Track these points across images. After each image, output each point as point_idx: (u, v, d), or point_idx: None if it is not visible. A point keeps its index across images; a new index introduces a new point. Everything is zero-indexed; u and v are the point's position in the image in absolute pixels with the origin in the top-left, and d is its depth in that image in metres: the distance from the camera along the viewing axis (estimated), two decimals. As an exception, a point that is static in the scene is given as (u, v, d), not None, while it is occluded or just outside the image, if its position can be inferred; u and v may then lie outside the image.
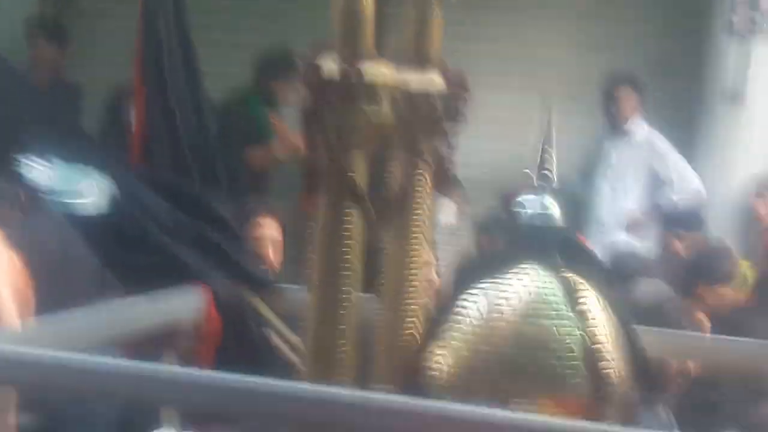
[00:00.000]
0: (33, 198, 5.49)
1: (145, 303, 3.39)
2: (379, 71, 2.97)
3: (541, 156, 3.24)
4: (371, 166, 3.06)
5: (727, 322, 5.45)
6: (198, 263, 3.56)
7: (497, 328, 3.05)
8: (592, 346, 3.03)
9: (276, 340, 3.45)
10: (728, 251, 7.09)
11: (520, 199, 3.29)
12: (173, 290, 3.46)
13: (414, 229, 3.35)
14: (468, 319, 3.09)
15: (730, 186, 8.85)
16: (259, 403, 2.74)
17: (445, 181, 3.43)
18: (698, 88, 9.33)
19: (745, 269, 6.90)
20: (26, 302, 5.91)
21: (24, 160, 3.34)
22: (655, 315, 5.01)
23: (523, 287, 3.08)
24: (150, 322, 3.49)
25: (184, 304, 3.50)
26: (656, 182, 8.56)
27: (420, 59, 3.32)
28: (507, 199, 6.43)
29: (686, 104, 9.30)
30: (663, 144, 8.67)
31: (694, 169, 8.71)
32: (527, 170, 3.24)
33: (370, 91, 2.93)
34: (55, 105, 6.23)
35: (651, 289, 6.05)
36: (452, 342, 3.09)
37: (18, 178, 3.51)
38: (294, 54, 7.46)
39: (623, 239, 8.14)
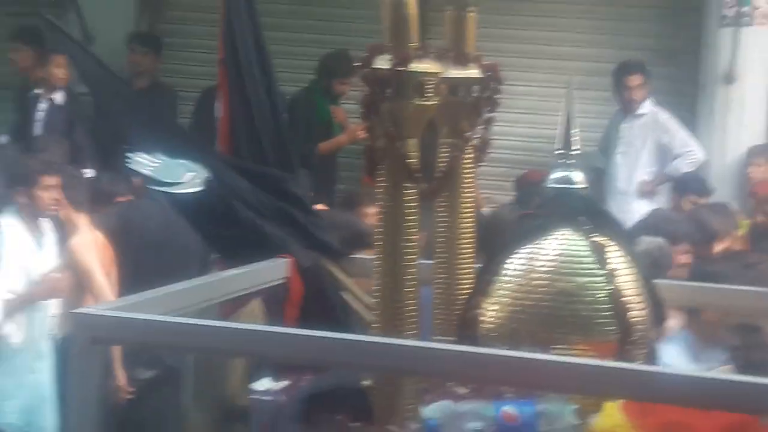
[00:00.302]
0: (142, 186, 5.58)
1: (241, 273, 3.41)
2: (425, 68, 3.01)
3: (565, 137, 3.23)
4: (422, 148, 3.08)
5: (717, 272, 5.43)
6: (281, 236, 3.56)
7: (537, 285, 3.05)
8: (621, 299, 3.02)
9: (351, 301, 3.46)
10: (728, 210, 7.08)
11: (552, 174, 3.25)
12: (264, 261, 3.48)
13: (461, 200, 3.37)
14: (512, 278, 3.08)
15: (727, 155, 8.83)
16: (340, 355, 2.76)
17: (482, 158, 3.45)
18: (696, 71, 9.33)
19: (744, 226, 6.91)
20: (112, 277, 5.99)
21: (132, 155, 3.36)
22: (647, 261, 5.04)
23: (558, 249, 3.07)
24: (245, 289, 3.52)
25: (273, 273, 3.51)
26: (664, 154, 8.56)
27: (459, 55, 3.31)
28: (535, 176, 6.42)
29: (687, 86, 9.31)
30: (668, 121, 8.66)
31: (696, 140, 8.68)
32: (558, 151, 3.22)
33: (418, 85, 2.98)
34: (154, 106, 6.27)
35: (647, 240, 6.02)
36: (499, 298, 3.09)
37: (128, 170, 3.56)
38: (352, 56, 7.45)
39: (639, 205, 8.08)
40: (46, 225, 5.95)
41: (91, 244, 5.97)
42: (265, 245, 3.53)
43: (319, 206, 6.42)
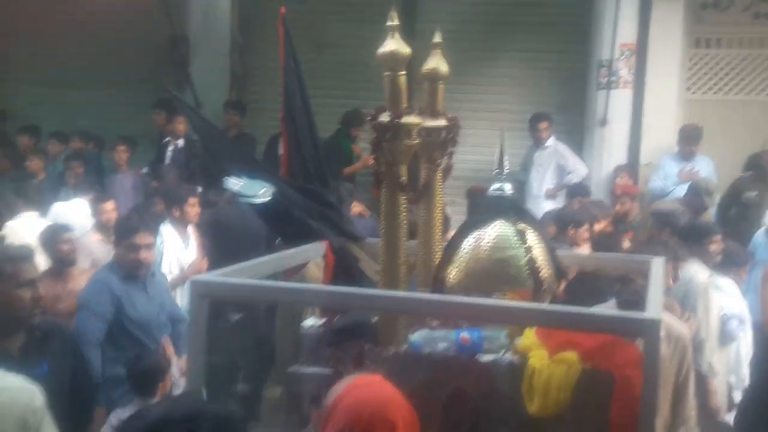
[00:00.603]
0: (232, 198, 5.67)
1: (296, 252, 3.40)
2: (411, 120, 3.01)
3: (500, 162, 3.23)
4: (409, 171, 3.09)
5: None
6: (322, 228, 3.55)
7: (482, 256, 3.04)
8: (535, 264, 3.03)
9: (365, 269, 3.46)
10: (603, 204, 7.11)
11: (491, 186, 3.26)
12: (310, 244, 3.49)
13: (434, 204, 3.38)
14: (467, 252, 3.08)
15: (602, 171, 8.76)
16: (357, 302, 2.79)
17: (447, 177, 3.45)
18: (582, 118, 9.12)
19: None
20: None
21: (226, 178, 3.37)
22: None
23: (496, 233, 3.07)
24: (298, 262, 3.53)
25: (316, 252, 3.52)
26: (562, 171, 8.45)
27: (432, 111, 3.33)
28: (480, 188, 6.38)
29: (576, 128, 9.12)
30: (564, 150, 8.52)
31: (582, 162, 8.63)
32: (495, 171, 3.23)
33: (406, 131, 2.98)
34: (240, 148, 6.28)
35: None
36: (458, 264, 3.08)
37: (223, 188, 3.56)
38: (364, 113, 7.40)
39: (546, 204, 8.08)
40: (191, 230, 5.99)
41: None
42: (310, 234, 3.51)
43: (358, 208, 6.49)
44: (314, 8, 8.92)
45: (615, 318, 2.76)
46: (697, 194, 6.97)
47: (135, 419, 2.61)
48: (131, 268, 4.72)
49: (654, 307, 2.48)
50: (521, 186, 8.37)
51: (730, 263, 5.42)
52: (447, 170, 3.45)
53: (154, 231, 5.38)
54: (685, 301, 4.84)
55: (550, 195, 8.43)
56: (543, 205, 8.03)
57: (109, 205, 6.15)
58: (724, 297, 5.21)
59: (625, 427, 2.50)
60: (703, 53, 8.94)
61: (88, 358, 4.27)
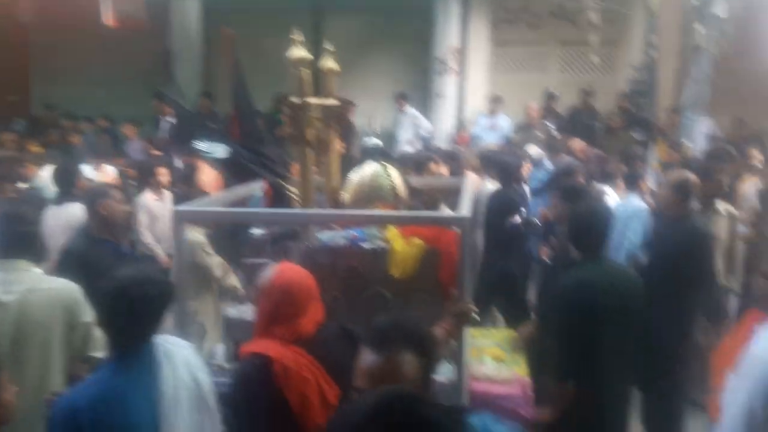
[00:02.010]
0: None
1: (246, 188, 3.23)
2: (314, 101, 2.89)
3: (371, 126, 3.18)
4: (316, 135, 3.05)
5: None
6: (261, 171, 3.45)
7: (363, 184, 2.99)
8: (395, 187, 2.99)
9: (291, 195, 3.24)
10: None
11: (370, 142, 3.24)
12: (255, 182, 3.35)
13: (333, 155, 3.25)
14: (353, 181, 3.03)
15: (442, 128, 8.88)
16: (286, 218, 2.65)
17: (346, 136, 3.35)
18: (428, 93, 9.11)
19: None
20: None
21: (197, 142, 3.23)
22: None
23: (372, 170, 3.02)
24: (248, 194, 3.35)
25: (259, 187, 3.39)
26: (416, 129, 8.52)
27: (327, 94, 3.15)
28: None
29: (424, 101, 9.12)
30: (417, 115, 8.53)
31: (428, 122, 8.65)
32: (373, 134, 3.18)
33: (311, 109, 2.86)
34: (208, 123, 5.84)
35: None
36: (349, 189, 3.02)
37: (194, 149, 3.40)
38: (286, 96, 7.18)
39: (407, 148, 7.84)
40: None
41: None
42: (255, 175, 3.41)
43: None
44: (252, 28, 8.58)
45: (442, 217, 2.83)
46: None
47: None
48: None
49: (464, 209, 2.52)
50: (392, 140, 8.40)
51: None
52: (345, 131, 3.34)
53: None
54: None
55: (409, 142, 8.42)
56: (405, 148, 7.93)
57: (162, 170, 5.00)
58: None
59: (449, 283, 2.47)
60: (503, 50, 9.17)
61: None
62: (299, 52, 2.82)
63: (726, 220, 4.05)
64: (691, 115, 7.37)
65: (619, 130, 7.51)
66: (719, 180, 4.05)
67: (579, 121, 7.82)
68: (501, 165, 4.62)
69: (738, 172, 5.17)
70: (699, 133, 7.29)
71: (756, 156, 5.68)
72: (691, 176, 3.43)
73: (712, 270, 3.56)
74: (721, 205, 4.08)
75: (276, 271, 1.94)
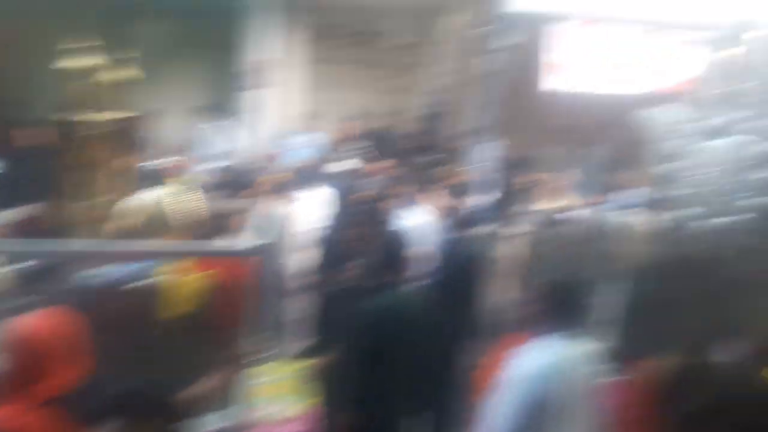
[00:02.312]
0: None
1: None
2: (91, 116, 2.68)
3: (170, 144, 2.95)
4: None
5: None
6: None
7: (141, 211, 2.65)
8: (165, 217, 2.68)
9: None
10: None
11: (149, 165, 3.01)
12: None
13: (109, 175, 3.05)
14: (131, 206, 2.70)
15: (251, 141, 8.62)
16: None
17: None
18: (239, 105, 8.84)
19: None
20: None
21: None
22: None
23: (154, 194, 2.70)
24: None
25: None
26: (224, 145, 8.08)
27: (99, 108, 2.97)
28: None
29: (236, 112, 8.83)
30: (226, 129, 8.18)
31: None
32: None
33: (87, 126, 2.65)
34: None
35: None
36: (123, 215, 2.70)
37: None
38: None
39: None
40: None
41: None
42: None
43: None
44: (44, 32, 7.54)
45: (237, 249, 2.57)
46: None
47: None
48: None
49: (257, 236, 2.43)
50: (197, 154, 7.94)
51: None
52: (132, 147, 3.07)
53: None
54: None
55: (215, 158, 7.88)
56: (211, 166, 7.37)
57: None
58: None
59: (234, 322, 2.28)
60: (321, 67, 9.22)
61: None
62: (81, 60, 2.66)
63: (509, 241, 4.19)
64: (481, 138, 8.01)
65: (412, 152, 7.87)
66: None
67: (383, 142, 8.15)
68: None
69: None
70: (488, 156, 7.95)
71: (546, 179, 6.04)
72: (460, 201, 3.53)
73: (479, 291, 3.64)
74: (504, 227, 4.28)
75: (21, 321, 1.74)
